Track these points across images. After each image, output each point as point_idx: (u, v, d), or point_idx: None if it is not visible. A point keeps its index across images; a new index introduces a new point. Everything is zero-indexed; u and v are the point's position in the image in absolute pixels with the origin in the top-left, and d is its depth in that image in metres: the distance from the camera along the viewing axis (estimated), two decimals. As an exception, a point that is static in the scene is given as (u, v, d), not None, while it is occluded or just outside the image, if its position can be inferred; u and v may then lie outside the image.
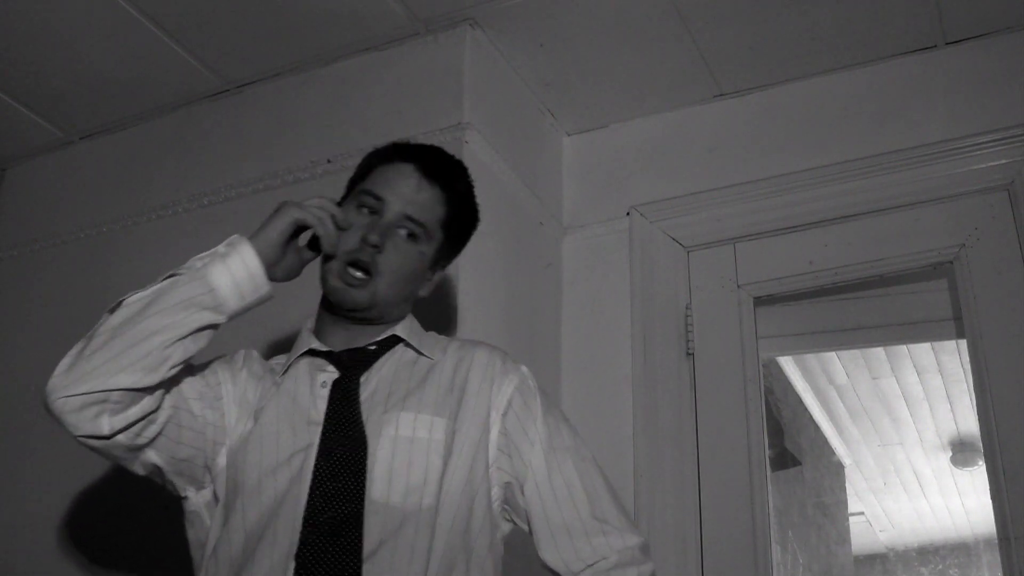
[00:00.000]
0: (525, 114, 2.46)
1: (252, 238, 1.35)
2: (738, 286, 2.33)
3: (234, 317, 1.34)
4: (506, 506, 1.43)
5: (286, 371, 1.44)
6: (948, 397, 4.28)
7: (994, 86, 2.19)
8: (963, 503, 5.52)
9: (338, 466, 1.32)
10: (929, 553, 6.24)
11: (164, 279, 1.35)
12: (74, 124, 2.67)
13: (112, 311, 1.32)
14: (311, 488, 1.30)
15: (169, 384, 1.32)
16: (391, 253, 1.40)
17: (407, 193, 1.43)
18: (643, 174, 2.48)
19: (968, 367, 2.14)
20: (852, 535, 4.94)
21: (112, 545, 2.19)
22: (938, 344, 3.70)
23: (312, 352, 1.45)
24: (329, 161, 2.28)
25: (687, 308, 2.35)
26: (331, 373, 1.42)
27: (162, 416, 1.32)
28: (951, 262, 2.16)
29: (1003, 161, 2.13)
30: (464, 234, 1.54)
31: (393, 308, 1.45)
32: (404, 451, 1.33)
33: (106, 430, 1.26)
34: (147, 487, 2.18)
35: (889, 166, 2.22)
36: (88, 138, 2.71)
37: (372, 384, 1.41)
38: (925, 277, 2.31)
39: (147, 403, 1.28)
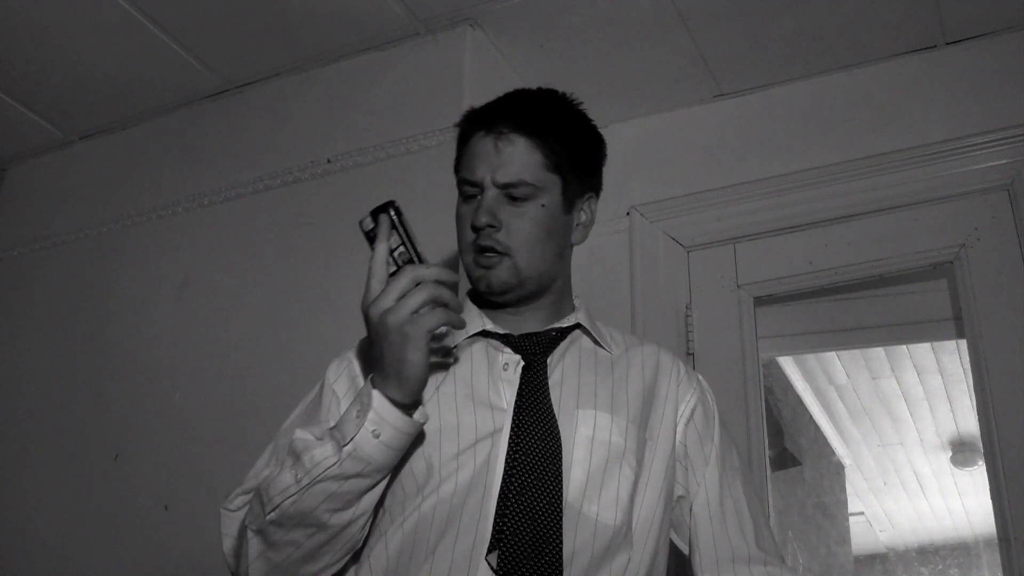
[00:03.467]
0: (525, 114, 2.46)
1: (388, 389, 1.13)
2: (738, 286, 2.33)
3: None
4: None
5: (455, 351, 1.32)
6: (948, 397, 4.28)
7: (994, 86, 2.19)
8: (963, 503, 5.52)
9: (533, 458, 1.22)
10: (929, 553, 6.24)
11: (309, 467, 1.14)
12: (74, 124, 2.67)
13: (278, 505, 1.16)
14: (504, 478, 1.20)
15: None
16: (511, 225, 1.30)
17: (491, 162, 1.31)
18: (643, 174, 2.48)
19: (968, 367, 2.14)
20: (852, 535, 4.93)
21: (112, 545, 2.18)
22: (938, 344, 3.70)
23: (486, 334, 1.34)
24: (329, 161, 2.28)
25: (687, 308, 2.35)
26: (511, 356, 1.31)
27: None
28: (951, 262, 2.16)
29: (1003, 161, 2.13)
30: (585, 156, 1.38)
31: (547, 275, 1.34)
32: (601, 456, 1.26)
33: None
34: (147, 487, 2.19)
35: (889, 166, 2.22)
36: (88, 138, 2.71)
37: (558, 373, 1.32)
38: (925, 277, 2.31)
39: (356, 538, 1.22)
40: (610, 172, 2.50)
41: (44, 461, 2.36)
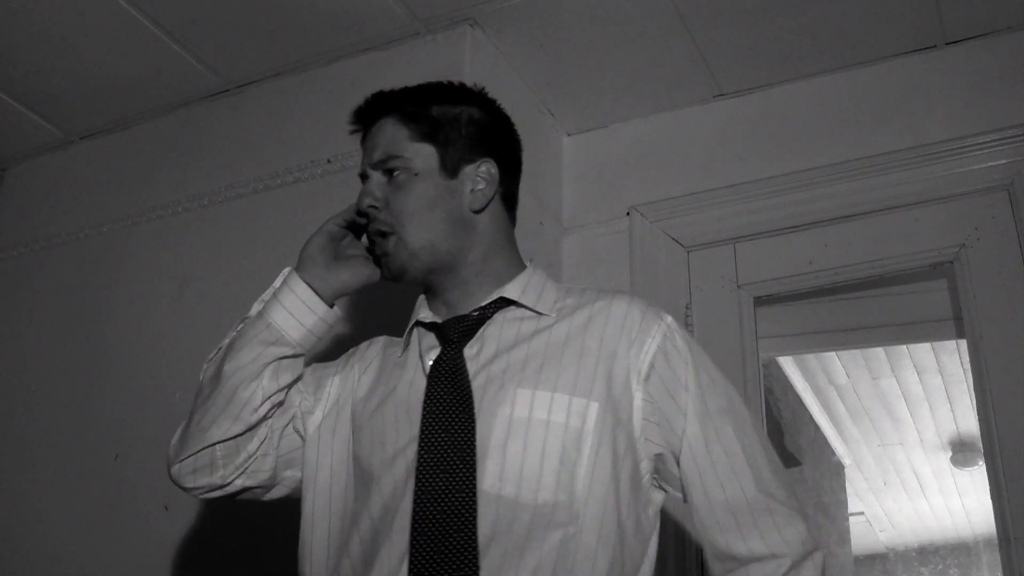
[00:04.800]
0: (525, 114, 2.46)
1: (297, 266, 1.37)
2: (738, 286, 2.33)
3: (309, 344, 1.35)
4: (655, 476, 1.29)
5: (406, 348, 1.37)
6: (948, 397, 4.28)
7: (994, 86, 2.19)
8: (963, 503, 5.52)
9: (442, 456, 1.21)
10: (929, 553, 6.25)
11: (235, 328, 1.38)
12: (74, 124, 2.67)
13: (203, 374, 1.38)
14: (416, 483, 1.21)
15: (277, 415, 1.36)
16: (390, 200, 1.33)
17: (366, 151, 1.38)
18: (643, 174, 2.48)
19: (968, 367, 2.14)
20: (852, 535, 4.94)
21: (112, 545, 2.19)
22: (938, 344, 3.70)
23: (419, 324, 1.37)
24: (329, 161, 2.28)
25: (687, 308, 2.35)
26: (436, 348, 1.32)
27: (268, 448, 1.36)
28: (951, 262, 2.16)
29: (1003, 161, 2.13)
30: (461, 121, 1.37)
31: (443, 245, 1.33)
32: (519, 435, 1.20)
33: (218, 481, 1.34)
34: (147, 487, 2.19)
35: (889, 166, 2.22)
36: (88, 138, 2.71)
37: (482, 356, 1.29)
38: (925, 277, 2.31)
39: (251, 445, 1.34)
40: (610, 172, 2.53)
41: (44, 461, 2.36)
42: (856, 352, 3.86)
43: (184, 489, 1.36)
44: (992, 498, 1.97)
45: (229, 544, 2.05)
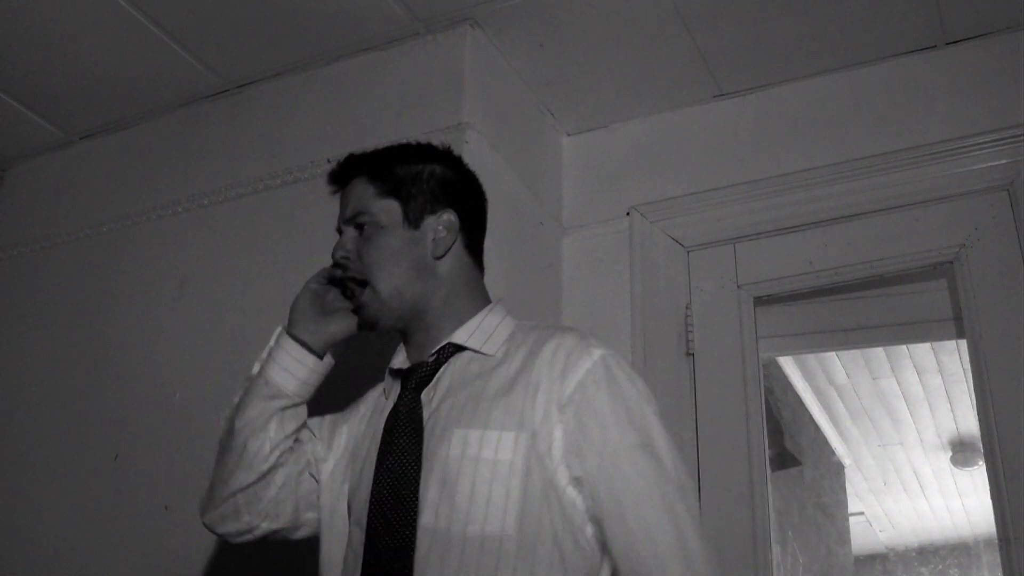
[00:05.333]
0: (525, 114, 2.46)
1: (288, 323, 1.50)
2: (738, 286, 2.33)
3: (306, 392, 1.47)
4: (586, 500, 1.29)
5: (387, 395, 1.48)
6: (948, 397, 4.28)
7: (994, 86, 2.19)
8: (963, 503, 5.52)
9: (389, 495, 1.31)
10: (929, 553, 6.24)
11: (241, 386, 1.50)
12: (74, 124, 2.67)
13: (220, 431, 1.50)
14: (366, 522, 1.32)
15: (292, 460, 1.47)
16: (361, 252, 1.45)
17: (341, 208, 1.51)
18: (643, 174, 2.48)
19: (968, 367, 2.14)
20: (852, 535, 4.94)
21: (112, 545, 2.18)
22: (938, 344, 3.70)
23: (390, 371, 1.49)
24: (329, 161, 2.28)
25: (687, 308, 2.35)
26: (395, 392, 1.44)
27: (287, 493, 1.46)
28: (951, 262, 2.16)
29: (1003, 161, 2.13)
30: (421, 177, 1.47)
31: (411, 293, 1.43)
32: (453, 472, 1.27)
33: (244, 527, 1.46)
34: (147, 487, 2.19)
35: (889, 166, 2.22)
36: (88, 138, 2.71)
37: (435, 400, 1.38)
38: (925, 277, 2.30)
39: (270, 492, 1.45)
40: (610, 172, 2.53)
41: (44, 461, 2.36)
42: (856, 352, 3.86)
43: (218, 535, 1.49)
44: (992, 498, 1.97)
45: (229, 544, 2.04)
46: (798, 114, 2.37)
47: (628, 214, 2.44)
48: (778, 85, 2.41)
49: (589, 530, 1.27)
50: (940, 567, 6.19)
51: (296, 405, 1.46)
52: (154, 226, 2.49)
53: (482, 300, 1.48)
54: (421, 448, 1.32)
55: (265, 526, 1.47)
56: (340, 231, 1.50)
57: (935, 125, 2.21)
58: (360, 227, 1.46)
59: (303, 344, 1.46)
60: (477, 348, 1.40)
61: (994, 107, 2.17)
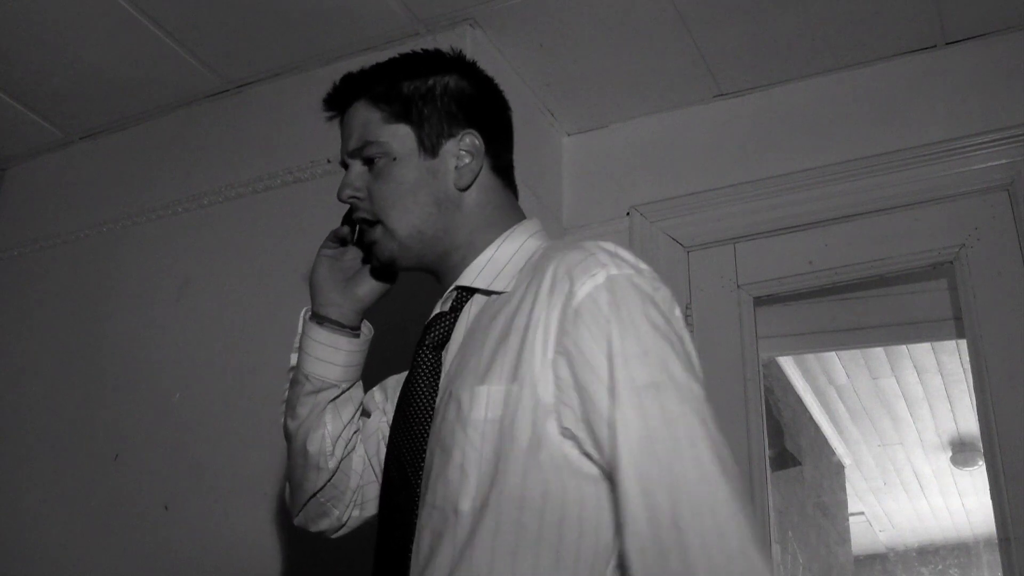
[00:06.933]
0: (525, 114, 2.46)
1: (311, 302, 1.36)
2: (738, 286, 2.33)
3: (352, 375, 1.36)
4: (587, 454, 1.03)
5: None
6: (948, 397, 4.28)
7: (994, 86, 2.19)
8: (963, 503, 5.52)
9: (398, 471, 1.16)
10: (929, 553, 6.24)
11: (287, 380, 1.41)
12: (74, 124, 2.67)
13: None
14: (380, 502, 1.21)
15: (364, 440, 1.39)
16: (372, 190, 1.26)
17: (343, 138, 1.31)
18: (643, 174, 2.48)
19: (968, 367, 2.14)
20: (852, 535, 4.93)
21: (112, 545, 2.18)
22: (938, 344, 3.70)
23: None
24: (329, 161, 2.28)
25: (687, 308, 2.35)
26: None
27: (369, 477, 1.39)
28: (951, 262, 2.16)
29: (1003, 161, 2.13)
30: (434, 94, 1.27)
31: (431, 230, 1.23)
32: (448, 440, 1.08)
33: (335, 523, 1.39)
34: (147, 487, 2.19)
35: (889, 166, 2.22)
36: (88, 138, 2.71)
37: (452, 349, 1.19)
38: (925, 277, 2.31)
39: (351, 482, 1.37)
40: (610, 172, 2.53)
41: (44, 461, 2.36)
42: (856, 352, 3.85)
43: (312, 533, 1.42)
44: (992, 498, 1.97)
45: (229, 544, 2.04)
46: (798, 114, 2.37)
47: (628, 214, 2.44)
48: (778, 85, 2.41)
49: (590, 496, 1.02)
50: (940, 567, 6.18)
51: (347, 391, 1.34)
52: (154, 226, 2.49)
53: (508, 226, 1.27)
54: (431, 416, 1.15)
55: (356, 515, 1.38)
56: (345, 165, 1.30)
57: (935, 125, 2.21)
58: (369, 160, 1.26)
59: (333, 323, 1.32)
60: (485, 287, 1.19)
61: (994, 107, 2.17)
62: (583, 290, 1.05)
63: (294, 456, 1.35)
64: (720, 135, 2.44)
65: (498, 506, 1.01)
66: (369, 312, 1.38)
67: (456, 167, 1.25)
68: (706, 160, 2.43)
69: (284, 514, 2.02)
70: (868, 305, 2.51)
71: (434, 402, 1.16)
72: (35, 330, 2.55)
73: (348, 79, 1.33)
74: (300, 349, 1.34)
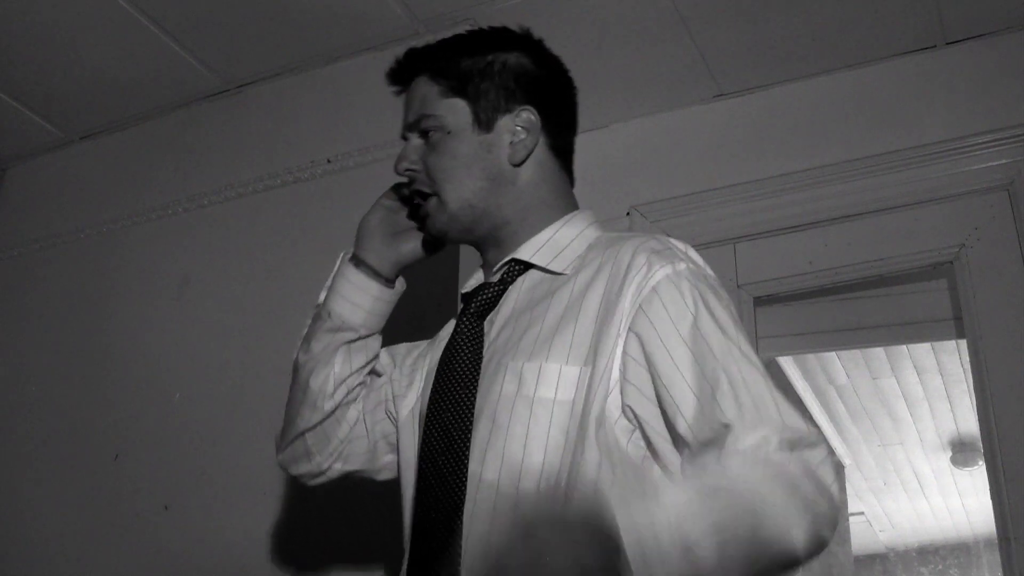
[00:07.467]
0: (525, 114, 2.46)
1: (355, 244, 1.36)
2: (738, 286, 2.33)
3: (374, 323, 1.34)
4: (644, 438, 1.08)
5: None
6: (948, 397, 4.28)
7: (994, 86, 2.19)
8: (963, 503, 5.52)
9: (439, 441, 1.15)
10: (929, 553, 6.24)
11: (309, 316, 1.39)
12: (74, 124, 2.67)
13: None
14: (416, 472, 1.19)
15: (366, 396, 1.36)
16: (427, 162, 1.27)
17: (405, 113, 1.33)
18: (643, 174, 2.48)
19: (968, 367, 2.14)
20: (852, 535, 4.93)
21: (112, 545, 2.18)
22: (938, 344, 3.70)
23: (461, 295, 1.32)
24: (329, 161, 2.28)
25: (687, 308, 2.34)
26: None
27: (360, 432, 1.36)
28: (951, 262, 2.16)
29: (1003, 161, 2.13)
30: (492, 71, 1.30)
31: (483, 204, 1.25)
32: (505, 415, 1.09)
33: (315, 468, 1.36)
34: (147, 487, 2.19)
35: (889, 166, 2.21)
36: (88, 138, 2.71)
37: (495, 328, 1.20)
38: (925, 277, 2.30)
39: (340, 431, 1.34)
40: (610, 172, 2.53)
41: (44, 461, 2.36)
42: (856, 352, 3.85)
43: (291, 475, 1.40)
44: (992, 498, 1.97)
45: (229, 544, 2.04)
46: (798, 114, 2.37)
47: (628, 214, 2.44)
48: (778, 85, 2.41)
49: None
50: (940, 567, 6.18)
51: (364, 337, 1.33)
52: (154, 226, 2.49)
53: (566, 210, 1.29)
54: (476, 384, 1.15)
55: (338, 467, 1.36)
56: (405, 138, 1.31)
57: (935, 125, 2.21)
58: (425, 133, 1.27)
59: (369, 268, 1.32)
60: (544, 265, 1.21)
61: (994, 107, 2.16)
62: (661, 272, 1.09)
63: (295, 390, 1.35)
64: (720, 135, 2.44)
65: (571, 491, 1.02)
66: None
67: (511, 142, 1.27)
68: (706, 160, 2.43)
69: (284, 514, 2.02)
70: (868, 305, 2.51)
71: (478, 370, 1.17)
72: (35, 330, 2.55)
73: (411, 54, 1.35)
74: (331, 288, 1.35)
